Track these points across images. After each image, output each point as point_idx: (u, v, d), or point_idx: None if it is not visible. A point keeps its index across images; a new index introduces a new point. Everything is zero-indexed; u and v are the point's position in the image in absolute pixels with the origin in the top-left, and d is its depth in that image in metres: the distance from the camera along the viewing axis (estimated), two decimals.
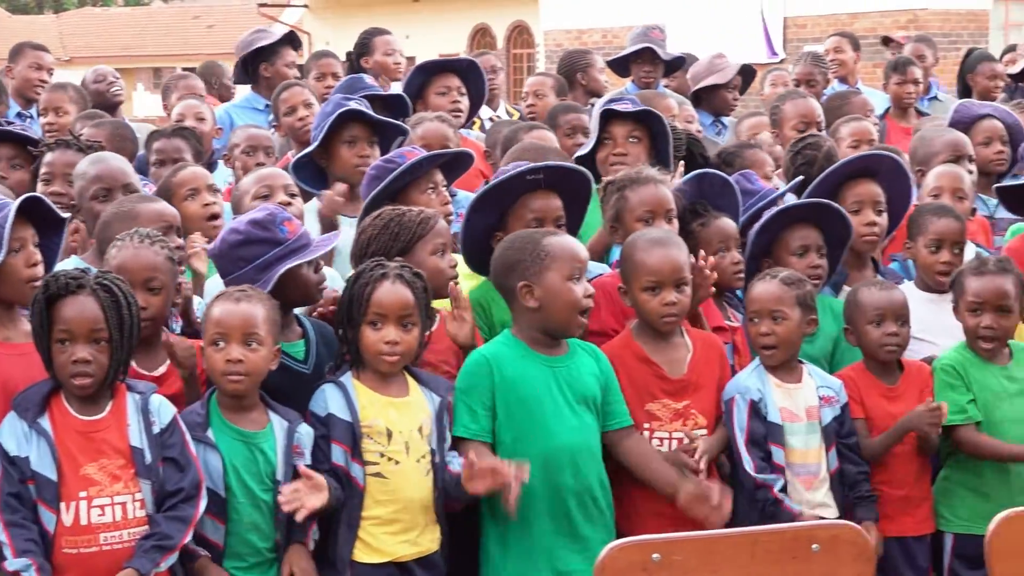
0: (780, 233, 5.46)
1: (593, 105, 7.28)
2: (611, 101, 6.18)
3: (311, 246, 4.71)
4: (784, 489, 4.89)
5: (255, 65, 9.22)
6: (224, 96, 10.40)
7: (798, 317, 5.01)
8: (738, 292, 5.45)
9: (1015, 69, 11.01)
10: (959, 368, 5.19)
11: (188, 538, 4.24)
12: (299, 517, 4.31)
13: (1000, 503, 5.01)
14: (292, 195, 5.67)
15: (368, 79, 7.51)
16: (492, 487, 4.45)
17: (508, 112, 9.49)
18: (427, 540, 4.57)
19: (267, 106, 8.83)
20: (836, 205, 5.52)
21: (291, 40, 9.46)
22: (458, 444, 4.64)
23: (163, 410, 4.29)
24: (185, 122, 7.32)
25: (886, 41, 11.28)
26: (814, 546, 3.81)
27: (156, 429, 4.24)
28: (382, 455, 4.50)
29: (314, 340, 4.78)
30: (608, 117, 5.99)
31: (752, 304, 5.05)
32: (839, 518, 4.87)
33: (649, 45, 9.58)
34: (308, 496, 4.31)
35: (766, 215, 5.51)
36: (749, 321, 5.08)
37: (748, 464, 4.87)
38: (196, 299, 4.93)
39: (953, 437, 5.17)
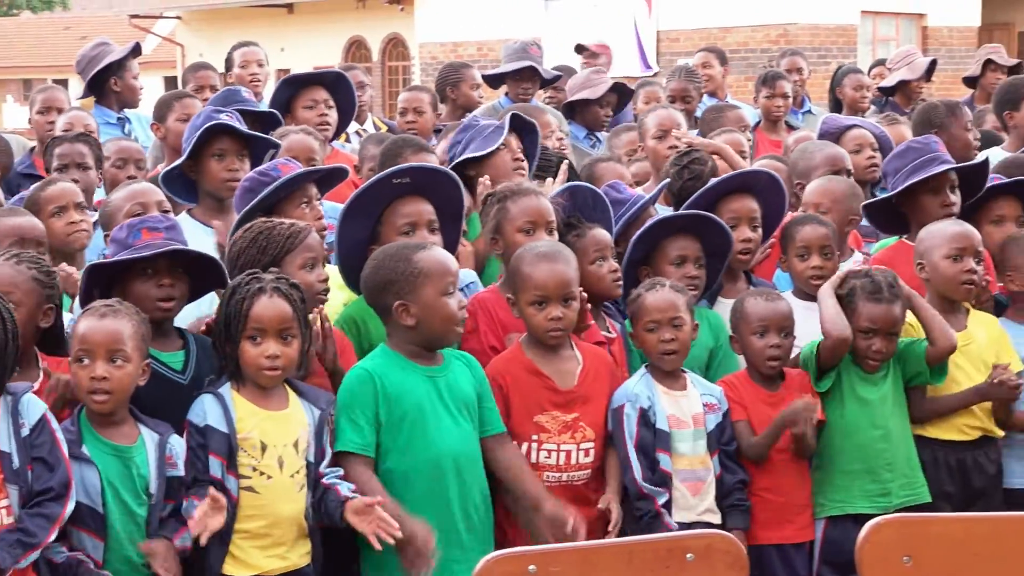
0: (659, 243, 5.50)
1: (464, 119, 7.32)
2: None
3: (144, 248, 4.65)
4: (668, 505, 4.92)
5: (102, 78, 9.11)
6: None
7: (690, 323, 5.08)
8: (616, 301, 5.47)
9: (885, 83, 11.22)
10: None
11: (52, 537, 4.15)
12: (203, 541, 4.26)
13: (867, 481, 5.22)
14: (165, 211, 5.61)
15: (245, 92, 7.45)
16: (373, 532, 4.39)
17: (376, 126, 9.45)
18: (296, 555, 4.51)
19: (120, 119, 8.83)
20: (716, 218, 5.58)
21: (134, 52, 9.36)
22: (341, 459, 4.61)
23: (31, 408, 4.21)
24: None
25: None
26: (689, 555, 3.83)
27: (25, 431, 4.17)
28: (255, 469, 4.45)
29: (194, 351, 4.74)
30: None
31: (650, 314, 5.06)
32: (721, 525, 4.94)
33: (531, 64, 9.59)
34: (212, 518, 4.27)
35: (646, 224, 5.53)
36: (646, 331, 5.08)
37: (637, 472, 4.90)
38: (67, 316, 4.86)
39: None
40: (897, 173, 5.96)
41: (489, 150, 6.01)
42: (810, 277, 5.61)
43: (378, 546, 4.36)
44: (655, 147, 7.12)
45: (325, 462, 4.57)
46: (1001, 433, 5.50)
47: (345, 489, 4.49)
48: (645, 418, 4.94)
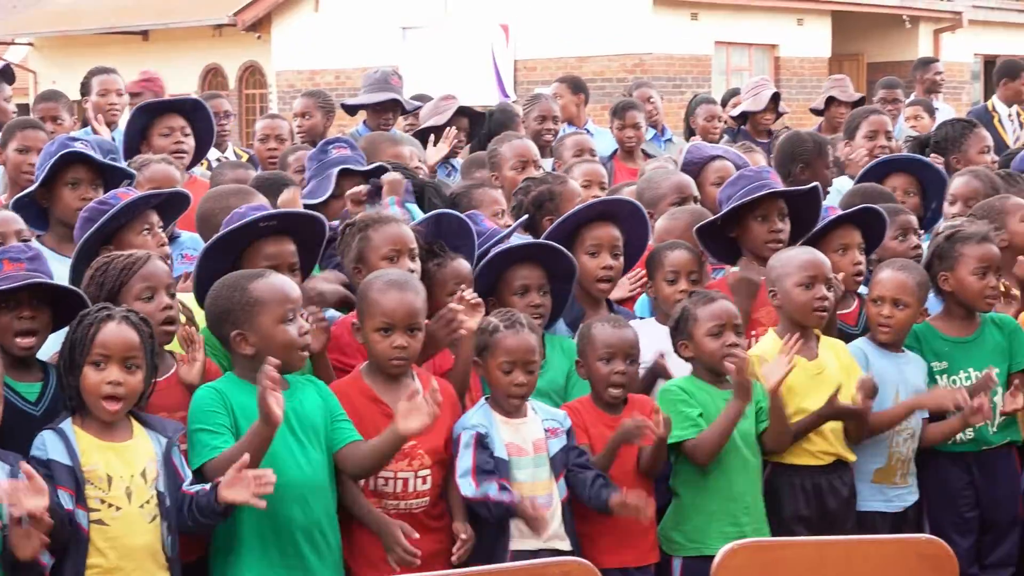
0: (503, 273, 5.52)
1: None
2: (324, 151, 6.44)
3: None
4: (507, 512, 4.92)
5: None
6: None
7: (540, 360, 5.12)
8: None
9: (733, 113, 11.41)
10: (686, 389, 5.33)
11: None
12: (16, 513, 4.12)
13: (726, 523, 5.25)
14: (25, 240, 5.53)
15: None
16: (253, 493, 4.33)
17: (236, 154, 9.41)
18: None
19: None
20: (555, 245, 5.60)
21: (4, 74, 9.20)
22: (206, 472, 4.54)
23: None
24: None
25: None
26: None
27: None
28: (103, 501, 4.39)
29: (52, 384, 4.67)
30: (344, 173, 6.18)
31: (506, 355, 5.03)
32: (571, 551, 4.94)
33: (395, 96, 9.59)
34: (28, 497, 4.12)
35: (490, 255, 5.55)
36: (499, 370, 5.05)
37: (468, 489, 4.88)
38: None
39: (685, 451, 5.28)
40: (729, 200, 6.04)
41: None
42: (678, 301, 5.65)
43: (262, 504, 4.31)
44: (514, 177, 7.14)
45: (187, 482, 4.51)
46: (853, 458, 5.59)
47: (209, 487, 4.44)
48: (482, 443, 4.93)
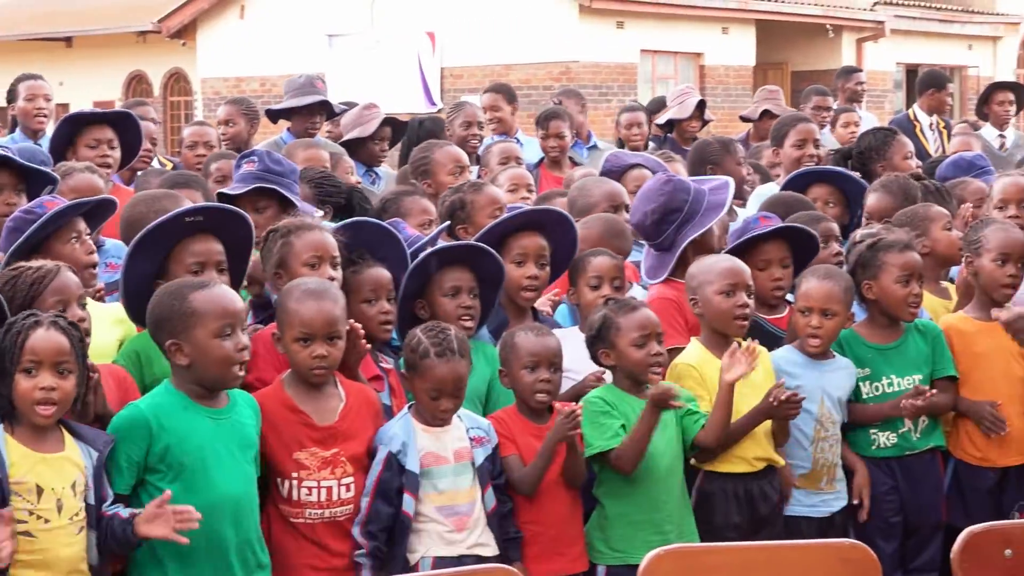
0: (432, 275, 5.50)
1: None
2: (238, 167, 6.31)
3: None
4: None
5: None
6: None
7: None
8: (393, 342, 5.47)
9: (659, 121, 11.47)
10: (607, 399, 5.32)
11: None
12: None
13: (650, 532, 5.24)
14: None
15: None
16: (175, 529, 4.31)
17: (161, 163, 9.34)
18: None
19: None
20: (486, 247, 5.59)
21: None
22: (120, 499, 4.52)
23: None
24: None
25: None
26: None
27: None
28: (31, 513, 4.34)
29: None
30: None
31: (434, 383, 4.99)
32: (495, 556, 4.94)
33: (323, 98, 9.57)
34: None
35: (421, 256, 5.54)
36: (427, 396, 5.01)
37: (359, 520, 4.87)
38: None
39: (609, 462, 5.27)
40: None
41: None
42: None
43: (185, 540, 4.29)
44: (452, 183, 7.09)
45: (108, 501, 4.47)
46: (783, 462, 5.62)
47: (125, 512, 4.41)
48: (393, 462, 4.91)
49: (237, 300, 4.78)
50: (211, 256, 5.09)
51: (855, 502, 5.80)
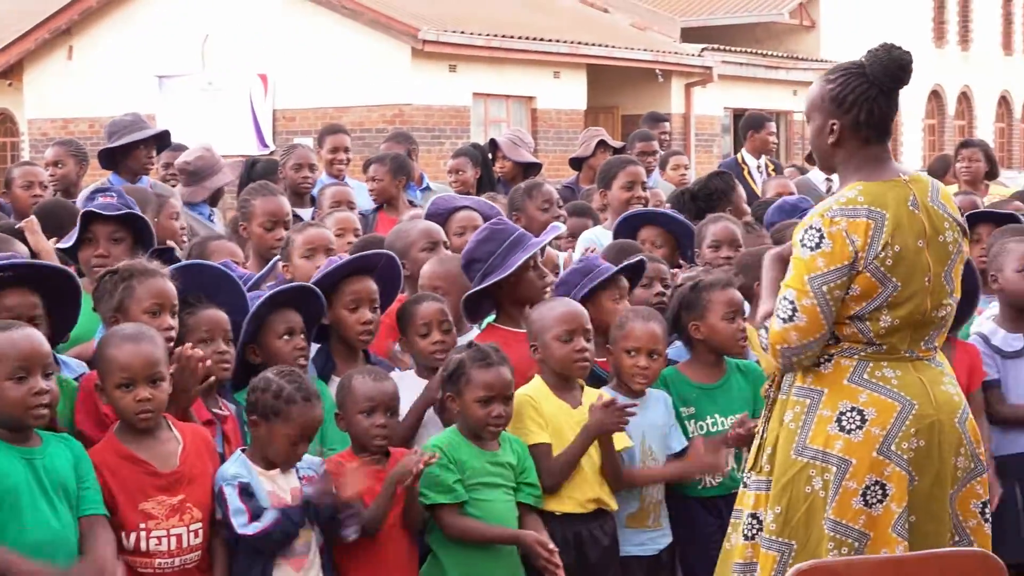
0: (267, 318, 5.52)
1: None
2: (91, 199, 6.19)
3: None
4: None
5: None
6: None
7: None
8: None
9: (497, 166, 11.58)
10: (447, 449, 5.34)
11: None
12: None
13: None
14: None
15: None
16: None
17: None
18: None
19: None
20: (313, 287, 5.64)
21: None
22: None
23: None
24: None
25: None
26: None
27: None
28: None
29: None
30: (90, 217, 6.02)
31: (297, 429, 5.00)
32: None
33: (166, 129, 9.50)
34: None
35: (255, 304, 5.53)
36: (288, 441, 5.00)
37: (249, 528, 4.82)
38: None
39: (438, 518, 5.31)
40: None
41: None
42: (432, 353, 5.74)
43: None
44: (261, 234, 7.17)
45: None
46: (615, 506, 5.68)
47: None
48: (247, 492, 4.88)
49: (32, 342, 4.62)
50: (24, 310, 4.94)
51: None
